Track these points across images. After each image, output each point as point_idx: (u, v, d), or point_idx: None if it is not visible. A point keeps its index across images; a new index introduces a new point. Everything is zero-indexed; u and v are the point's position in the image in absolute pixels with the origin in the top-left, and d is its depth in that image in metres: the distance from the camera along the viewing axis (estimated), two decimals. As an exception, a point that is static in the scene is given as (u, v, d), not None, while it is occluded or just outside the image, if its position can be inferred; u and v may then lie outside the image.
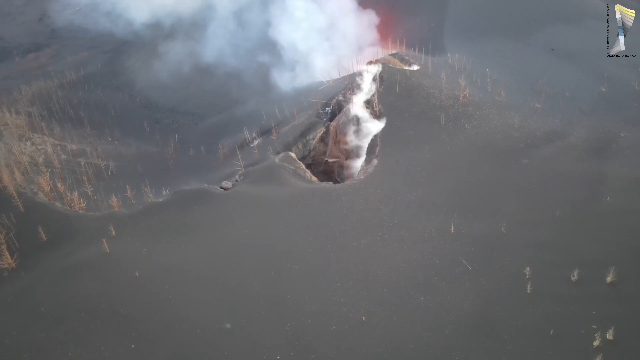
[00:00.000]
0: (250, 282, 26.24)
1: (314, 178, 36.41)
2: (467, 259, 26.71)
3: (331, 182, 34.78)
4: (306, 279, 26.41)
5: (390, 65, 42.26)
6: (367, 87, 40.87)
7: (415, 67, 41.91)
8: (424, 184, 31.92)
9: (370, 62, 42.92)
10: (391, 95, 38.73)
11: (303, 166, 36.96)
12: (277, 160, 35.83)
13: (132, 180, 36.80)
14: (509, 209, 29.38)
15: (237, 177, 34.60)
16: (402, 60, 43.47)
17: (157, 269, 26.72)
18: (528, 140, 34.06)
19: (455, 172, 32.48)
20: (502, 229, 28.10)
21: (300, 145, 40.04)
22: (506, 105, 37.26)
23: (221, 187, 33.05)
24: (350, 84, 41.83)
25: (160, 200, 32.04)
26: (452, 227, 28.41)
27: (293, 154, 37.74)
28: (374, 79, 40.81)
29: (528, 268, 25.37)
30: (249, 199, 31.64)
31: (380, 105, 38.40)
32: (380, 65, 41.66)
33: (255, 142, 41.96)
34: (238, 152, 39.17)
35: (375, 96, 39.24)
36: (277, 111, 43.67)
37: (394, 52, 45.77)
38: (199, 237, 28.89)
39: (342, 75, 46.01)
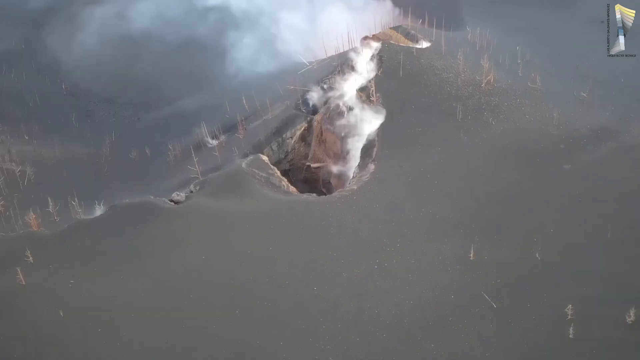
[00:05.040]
0: (209, 322, 26.22)
1: (293, 188, 36.51)
2: (491, 294, 26.81)
3: (315, 194, 34.86)
4: (281, 319, 26.39)
5: (392, 41, 42.45)
6: (362, 70, 41.01)
7: (425, 45, 42.16)
8: (435, 197, 32.08)
9: (366, 38, 43.01)
10: (393, 81, 38.95)
11: (278, 173, 37.03)
12: (244, 165, 35.86)
13: (56, 191, 36.76)
14: (546, 229, 29.55)
15: (191, 187, 34.63)
16: (407, 35, 43.68)
17: (87, 307, 26.64)
18: (571, 140, 34.33)
19: (476, 181, 32.69)
20: (537, 256, 28.25)
21: (274, 146, 40.20)
22: (542, 94, 37.57)
23: (171, 200, 33.06)
24: (339, 65, 41.95)
25: (92, 217, 31.99)
26: (472, 252, 28.54)
27: (265, 157, 37.81)
28: (371, 60, 40.98)
29: (570, 306, 25.45)
30: (207, 216, 31.67)
31: (378, 94, 38.58)
32: (379, 42, 41.79)
33: (216, 142, 42.01)
34: (193, 155, 39.20)
35: (373, 82, 39.40)
36: (244, 101, 43.76)
37: (397, 25, 45.95)
38: (142, 264, 28.86)
39: (329, 55, 46.13)
